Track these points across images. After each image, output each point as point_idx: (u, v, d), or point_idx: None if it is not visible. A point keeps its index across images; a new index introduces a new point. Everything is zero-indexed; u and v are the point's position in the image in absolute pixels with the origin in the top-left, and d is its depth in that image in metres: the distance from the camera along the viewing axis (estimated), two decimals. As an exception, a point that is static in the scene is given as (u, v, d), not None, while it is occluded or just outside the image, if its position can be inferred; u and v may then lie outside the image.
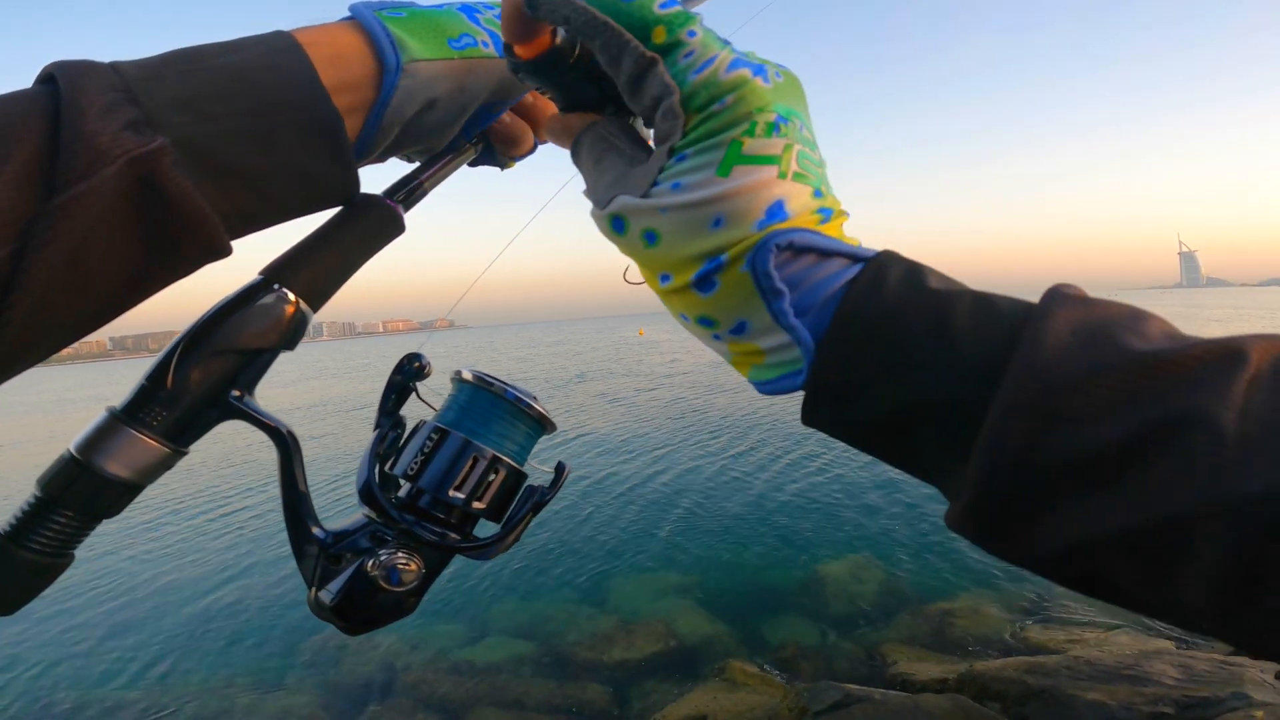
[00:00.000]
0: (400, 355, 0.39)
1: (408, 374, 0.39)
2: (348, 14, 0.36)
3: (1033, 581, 4.50)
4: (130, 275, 0.29)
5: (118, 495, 0.31)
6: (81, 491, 0.30)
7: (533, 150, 0.44)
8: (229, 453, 9.98)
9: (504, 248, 0.52)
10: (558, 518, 6.46)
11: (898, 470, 0.31)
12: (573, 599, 4.74)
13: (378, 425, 0.38)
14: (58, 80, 0.28)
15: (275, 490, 0.35)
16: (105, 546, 6.54)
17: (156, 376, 0.32)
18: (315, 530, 0.35)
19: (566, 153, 0.36)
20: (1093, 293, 0.26)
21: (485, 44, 0.38)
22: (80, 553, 0.33)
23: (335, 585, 0.34)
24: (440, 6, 0.38)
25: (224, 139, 0.29)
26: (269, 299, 0.33)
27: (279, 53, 0.31)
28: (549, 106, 0.43)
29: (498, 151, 0.44)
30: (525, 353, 37.15)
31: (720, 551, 5.42)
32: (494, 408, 0.38)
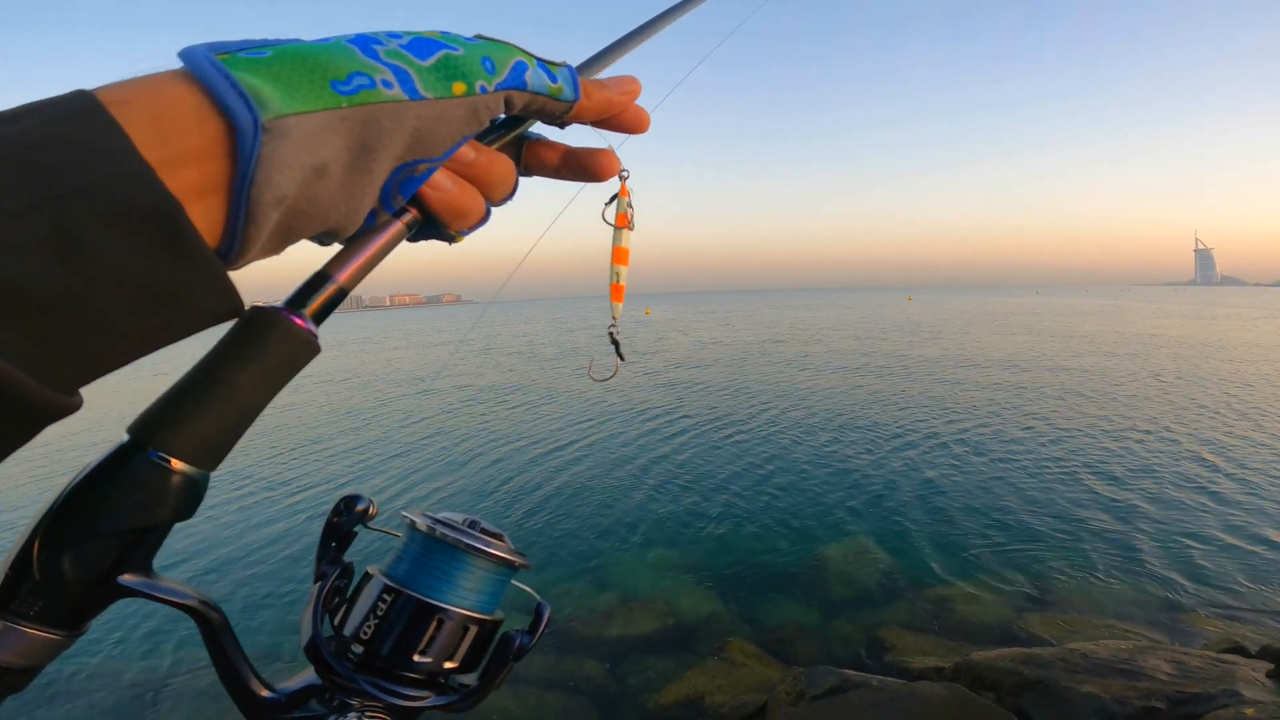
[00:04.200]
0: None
1: (348, 518, 0.35)
2: (180, 59, 0.27)
3: (1030, 571, 4.54)
4: None
5: (14, 678, 0.27)
6: None
7: (485, 219, 0.36)
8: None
9: (547, 227, 0.47)
10: (560, 494, 6.52)
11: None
12: (572, 575, 4.80)
13: (318, 576, 0.35)
14: None
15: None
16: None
17: (20, 565, 0.27)
18: (265, 694, 0.32)
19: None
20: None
21: (388, 83, 0.29)
22: None
23: None
24: (324, 41, 0.29)
25: (11, 254, 0.21)
26: (144, 469, 0.27)
27: (72, 119, 0.23)
28: (497, 160, 0.35)
29: (439, 222, 0.35)
30: (548, 330, 37.10)
31: (721, 531, 5.48)
32: (453, 561, 0.35)
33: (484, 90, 0.31)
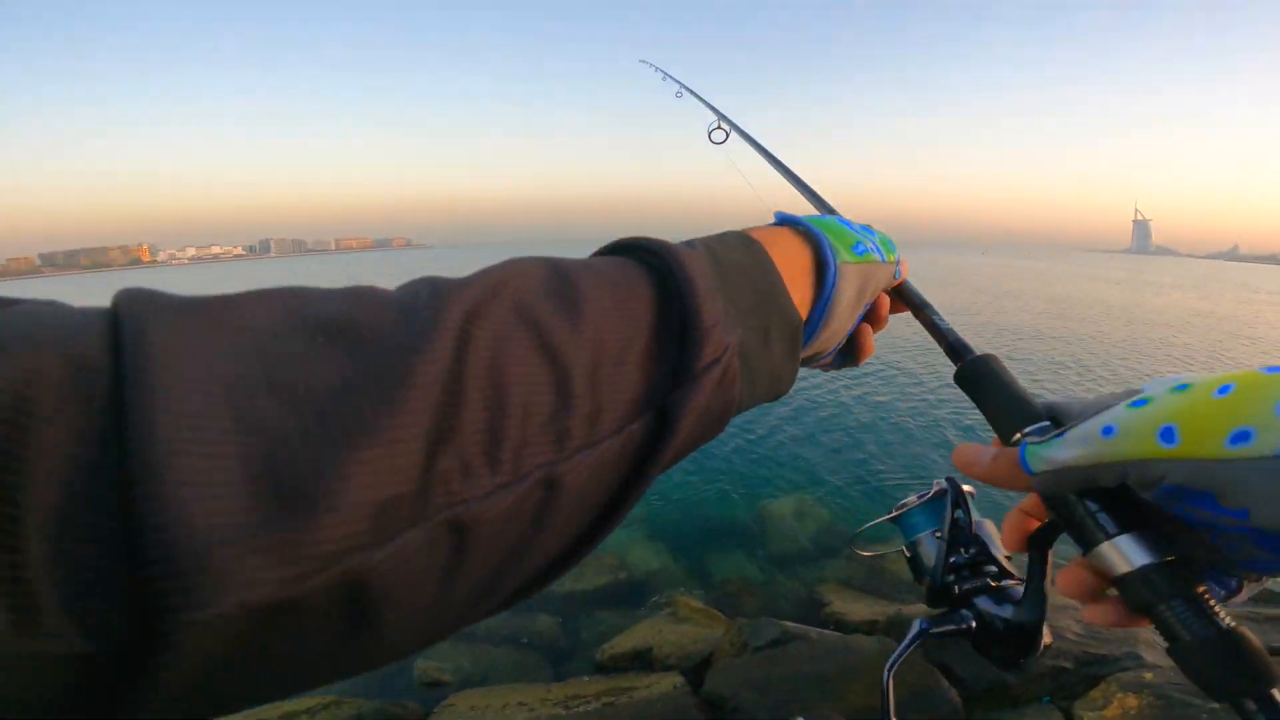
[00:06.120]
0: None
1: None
2: (776, 220, 0.41)
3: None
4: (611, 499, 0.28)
5: None
6: None
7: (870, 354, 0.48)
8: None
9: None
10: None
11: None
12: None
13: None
14: (661, 257, 0.30)
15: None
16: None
17: None
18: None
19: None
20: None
21: (874, 249, 0.42)
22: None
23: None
24: (826, 219, 0.43)
25: (751, 339, 0.32)
26: None
27: (759, 254, 0.35)
28: (885, 302, 0.48)
29: (849, 355, 0.47)
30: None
31: (672, 485, 5.58)
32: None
33: (898, 258, 0.46)
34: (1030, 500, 0.40)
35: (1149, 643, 2.65)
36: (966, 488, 0.53)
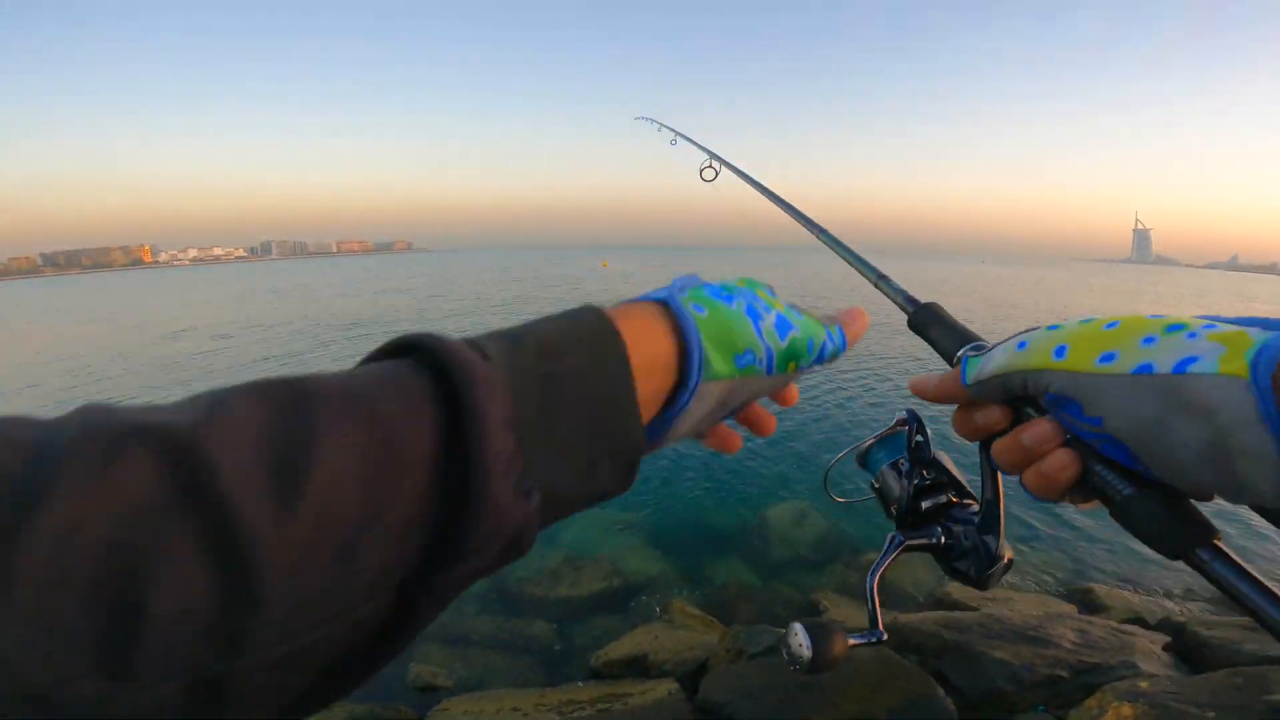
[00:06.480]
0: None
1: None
2: (664, 295, 0.35)
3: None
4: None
5: None
6: None
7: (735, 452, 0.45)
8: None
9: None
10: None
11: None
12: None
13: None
14: (451, 379, 0.25)
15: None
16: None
17: None
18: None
19: None
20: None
21: (760, 361, 0.35)
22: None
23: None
24: (730, 300, 0.36)
25: (568, 476, 0.28)
26: None
27: (608, 350, 0.30)
28: (764, 418, 0.43)
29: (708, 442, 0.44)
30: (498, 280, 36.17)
31: (668, 490, 5.56)
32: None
33: (802, 368, 0.39)
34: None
35: (1145, 652, 2.65)
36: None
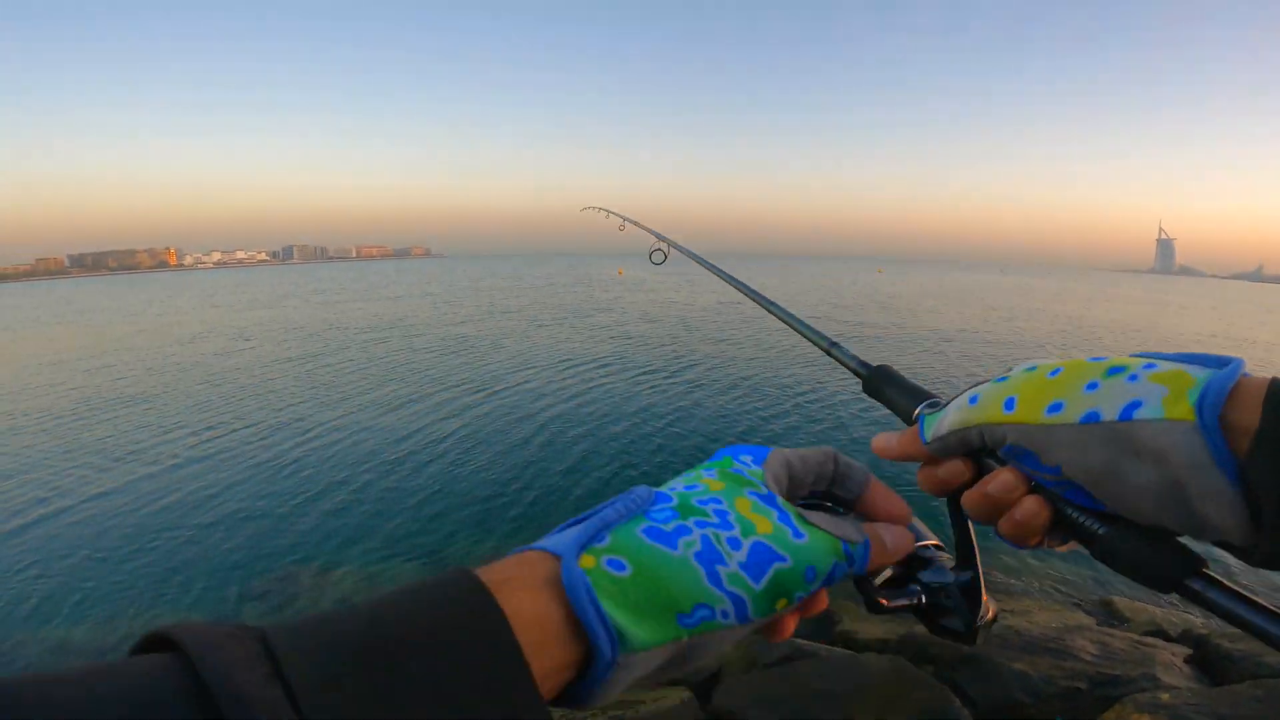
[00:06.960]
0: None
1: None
2: (561, 549, 0.28)
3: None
4: None
5: None
6: None
7: None
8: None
9: None
10: (512, 446, 6.52)
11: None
12: (510, 532, 4.86)
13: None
14: (200, 673, 0.19)
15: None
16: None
17: None
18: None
19: None
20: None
21: (725, 613, 0.29)
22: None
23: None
24: (674, 541, 0.30)
25: None
26: None
27: (491, 653, 0.23)
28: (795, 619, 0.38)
29: None
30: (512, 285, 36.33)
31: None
32: None
33: (799, 598, 0.32)
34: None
35: (1166, 664, 2.61)
36: None
